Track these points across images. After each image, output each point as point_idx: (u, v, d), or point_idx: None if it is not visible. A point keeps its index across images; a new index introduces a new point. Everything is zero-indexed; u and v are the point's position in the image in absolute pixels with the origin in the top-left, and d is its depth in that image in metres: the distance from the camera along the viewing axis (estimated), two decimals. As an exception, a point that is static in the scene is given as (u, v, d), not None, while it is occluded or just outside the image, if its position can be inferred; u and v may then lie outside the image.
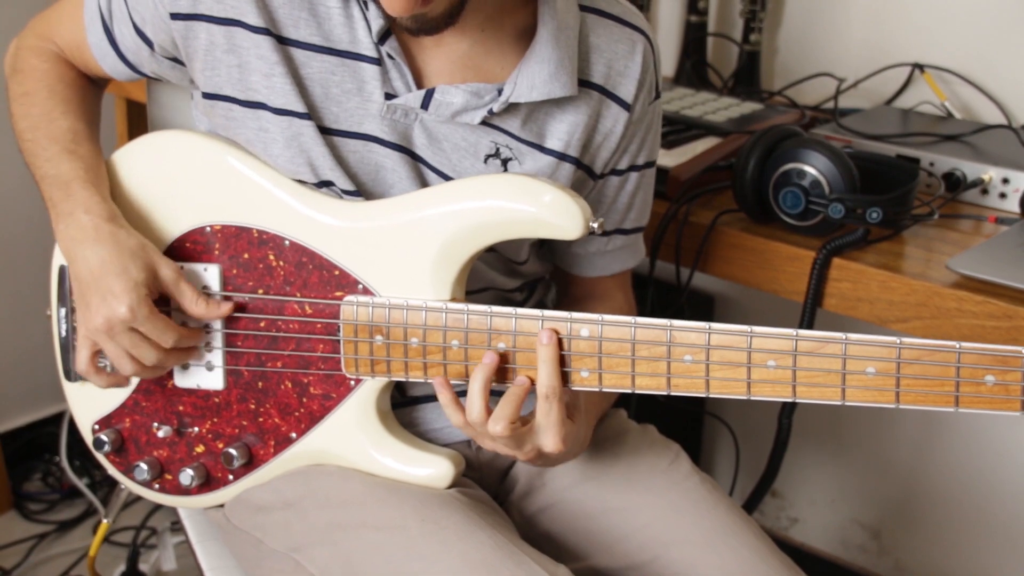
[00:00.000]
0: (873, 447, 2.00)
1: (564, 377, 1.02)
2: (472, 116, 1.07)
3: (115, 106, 1.84)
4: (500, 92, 1.07)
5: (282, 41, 1.06)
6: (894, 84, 1.80)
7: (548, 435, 1.02)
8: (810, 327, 1.41)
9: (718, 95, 1.79)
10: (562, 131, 1.11)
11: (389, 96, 1.07)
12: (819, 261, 1.32)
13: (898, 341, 0.93)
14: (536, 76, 1.06)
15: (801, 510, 2.13)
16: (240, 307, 1.12)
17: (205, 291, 1.12)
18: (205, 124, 1.16)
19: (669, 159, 1.52)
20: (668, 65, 2.03)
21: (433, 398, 1.18)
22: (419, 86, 1.07)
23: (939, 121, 1.69)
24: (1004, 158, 1.50)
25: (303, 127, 1.07)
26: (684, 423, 2.04)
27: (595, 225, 1.01)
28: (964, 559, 1.94)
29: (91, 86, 1.23)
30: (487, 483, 1.21)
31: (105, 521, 1.41)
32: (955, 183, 1.49)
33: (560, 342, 1.01)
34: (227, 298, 1.12)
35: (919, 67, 1.77)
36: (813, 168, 1.33)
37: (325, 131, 1.07)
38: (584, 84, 1.10)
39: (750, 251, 1.39)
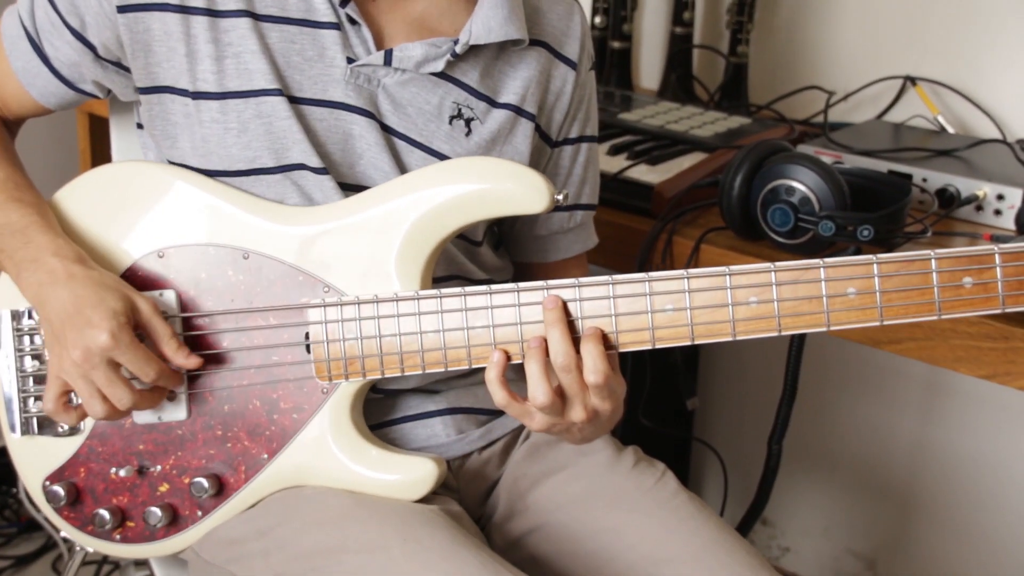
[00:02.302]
0: (867, 473, 2.00)
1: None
2: (435, 65, 1.11)
3: (77, 121, 1.83)
4: (456, 43, 1.11)
5: (251, 16, 1.07)
6: (886, 97, 1.80)
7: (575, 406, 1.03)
8: (800, 350, 1.44)
9: (704, 109, 1.79)
10: (517, 86, 1.16)
11: (351, 60, 1.09)
12: (809, 281, 1.29)
13: (874, 258, 0.98)
14: (492, 19, 1.11)
15: (793, 539, 2.12)
16: (201, 327, 1.10)
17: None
18: (152, 151, 1.15)
19: (653, 175, 1.51)
20: (653, 78, 2.04)
21: (412, 417, 1.17)
22: (379, 48, 1.11)
23: (932, 135, 1.69)
24: (999, 174, 1.49)
25: (262, 105, 1.07)
26: (671, 449, 2.02)
27: (560, 197, 1.04)
28: (962, 589, 1.93)
29: (7, 132, 1.21)
30: (468, 505, 1.20)
31: None
32: (949, 199, 1.48)
33: (565, 306, 1.02)
34: (195, 343, 1.10)
35: (911, 80, 1.77)
36: (802, 184, 1.32)
37: (292, 100, 1.08)
38: (533, 41, 1.16)
39: (737, 270, 1.37)
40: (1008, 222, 1.44)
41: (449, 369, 1.06)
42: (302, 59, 1.08)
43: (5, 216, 1.10)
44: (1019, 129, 1.69)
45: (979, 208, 1.47)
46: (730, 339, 1.00)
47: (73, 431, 1.14)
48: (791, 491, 2.06)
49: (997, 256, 0.97)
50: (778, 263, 0.99)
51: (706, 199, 1.48)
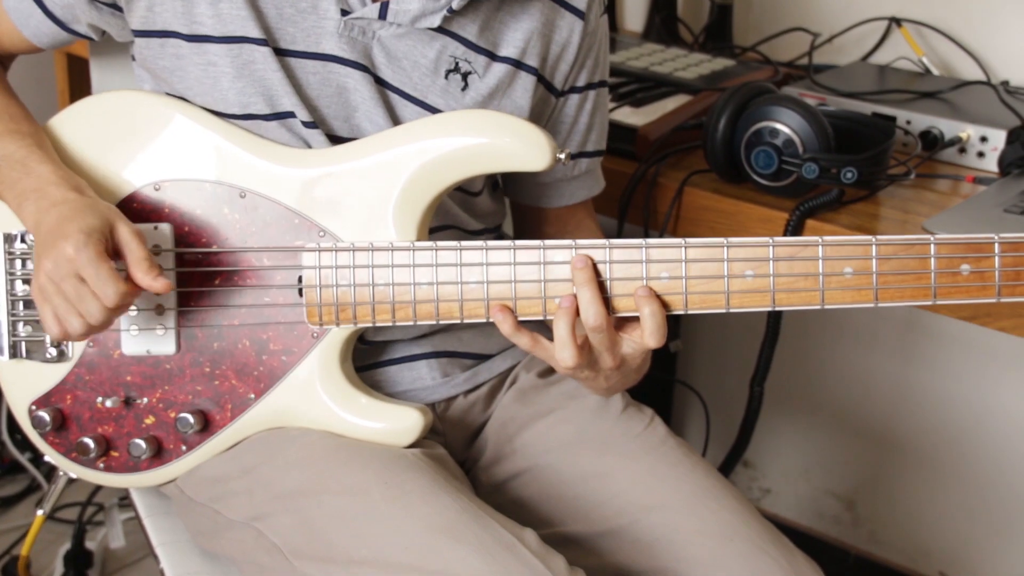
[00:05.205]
0: (847, 416, 2.00)
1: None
2: (431, 19, 1.07)
3: (55, 63, 1.80)
4: None
5: None
6: (870, 39, 1.79)
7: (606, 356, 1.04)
8: (782, 292, 1.41)
9: (688, 51, 1.77)
10: (517, 38, 1.12)
11: (345, 12, 1.07)
12: (792, 223, 1.30)
13: (873, 239, 0.98)
14: None
15: (774, 481, 2.13)
16: (194, 263, 1.09)
17: (155, 249, 1.09)
18: (148, 83, 1.14)
19: (637, 118, 1.50)
20: (637, 20, 2.02)
21: (398, 360, 1.17)
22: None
23: (916, 77, 1.68)
24: (983, 116, 1.49)
25: (255, 53, 1.06)
26: (653, 391, 2.02)
27: (562, 156, 1.03)
28: (939, 528, 1.94)
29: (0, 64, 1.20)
30: (453, 448, 1.21)
31: (40, 513, 1.36)
32: (932, 142, 1.48)
33: (595, 267, 1.01)
34: (188, 279, 1.09)
35: (896, 21, 1.76)
36: (786, 126, 1.31)
37: (282, 53, 1.07)
38: None
39: (721, 213, 1.37)
40: (991, 164, 1.45)
41: (440, 322, 1.06)
42: (295, 11, 1.06)
43: (3, 148, 1.09)
44: (1003, 71, 1.68)
45: (962, 150, 1.47)
46: (723, 311, 1.00)
47: (61, 358, 1.14)
48: (772, 433, 2.06)
49: (997, 245, 0.96)
50: (777, 238, 0.99)
51: (690, 141, 1.47)
